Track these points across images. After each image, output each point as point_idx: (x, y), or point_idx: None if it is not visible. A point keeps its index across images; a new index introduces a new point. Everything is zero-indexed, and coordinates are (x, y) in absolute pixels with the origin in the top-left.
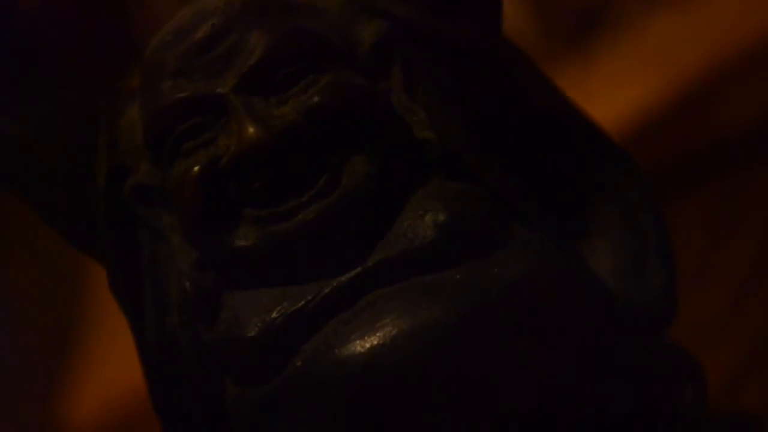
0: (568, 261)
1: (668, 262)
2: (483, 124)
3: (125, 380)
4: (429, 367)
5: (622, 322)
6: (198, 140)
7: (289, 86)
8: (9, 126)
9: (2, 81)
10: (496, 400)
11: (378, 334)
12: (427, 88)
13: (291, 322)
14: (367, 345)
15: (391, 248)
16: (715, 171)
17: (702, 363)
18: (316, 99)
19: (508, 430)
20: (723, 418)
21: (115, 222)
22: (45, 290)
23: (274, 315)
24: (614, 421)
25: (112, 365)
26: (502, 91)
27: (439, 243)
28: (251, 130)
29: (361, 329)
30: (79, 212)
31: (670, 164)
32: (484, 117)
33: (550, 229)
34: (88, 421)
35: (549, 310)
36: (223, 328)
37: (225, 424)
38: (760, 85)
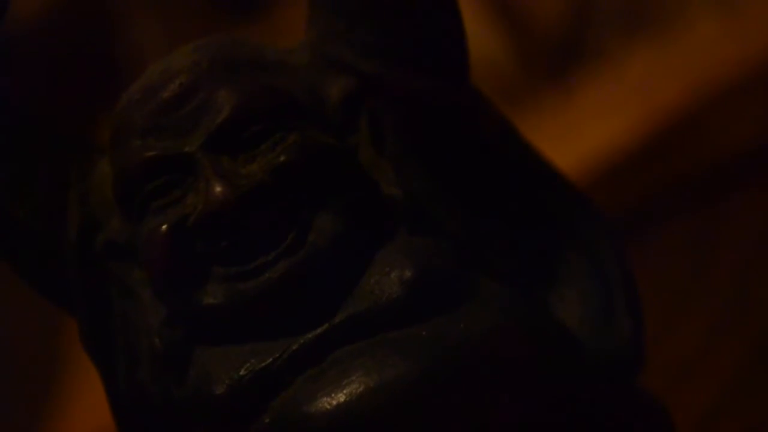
0: (535, 313)
1: (635, 310)
2: (450, 175)
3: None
4: (396, 424)
5: (591, 371)
6: (166, 198)
7: (257, 144)
8: None
9: None
10: None
11: (345, 391)
12: (395, 143)
13: (259, 379)
14: (334, 402)
15: (359, 305)
16: (693, 203)
17: (673, 405)
18: (282, 158)
19: None
20: None
21: (86, 276)
22: (36, 312)
23: (242, 372)
24: None
25: (100, 391)
26: (468, 142)
27: (406, 300)
28: (218, 189)
29: (328, 386)
30: (51, 266)
31: (649, 194)
32: (452, 168)
33: (518, 279)
34: None
35: (516, 364)
36: (192, 384)
37: None
38: (739, 117)
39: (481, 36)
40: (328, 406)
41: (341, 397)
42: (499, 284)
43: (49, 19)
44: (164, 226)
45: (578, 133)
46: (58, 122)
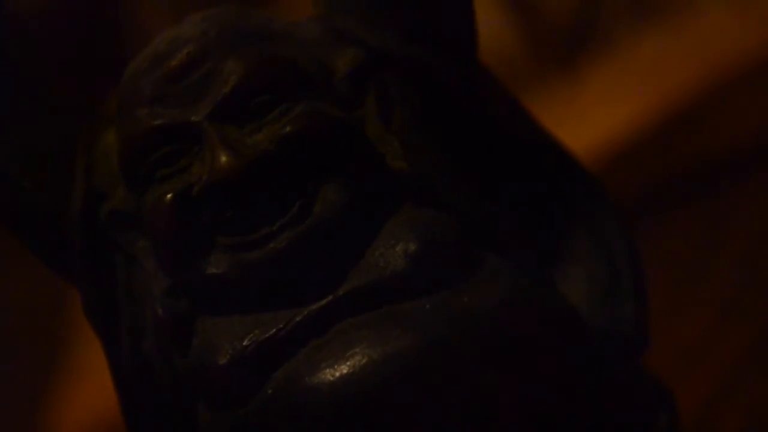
0: (539, 290)
1: (640, 290)
2: (457, 151)
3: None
4: (398, 396)
5: (595, 350)
6: (172, 168)
7: (263, 114)
8: None
9: None
10: (464, 428)
11: (348, 362)
12: (401, 117)
13: (262, 350)
14: (337, 374)
15: (363, 277)
16: (702, 190)
17: (678, 389)
18: (288, 128)
19: None
20: None
21: (91, 247)
22: (34, 301)
23: (245, 343)
24: None
25: (100, 375)
26: (476, 119)
27: (410, 273)
28: (224, 158)
29: (332, 358)
30: (55, 236)
31: (657, 182)
32: (458, 144)
33: (524, 256)
34: (77, 430)
35: (519, 339)
36: (195, 354)
37: None
38: (749, 104)
39: (491, 23)
40: (331, 378)
41: (344, 369)
42: (504, 260)
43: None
44: (169, 195)
45: (587, 120)
46: (63, 93)
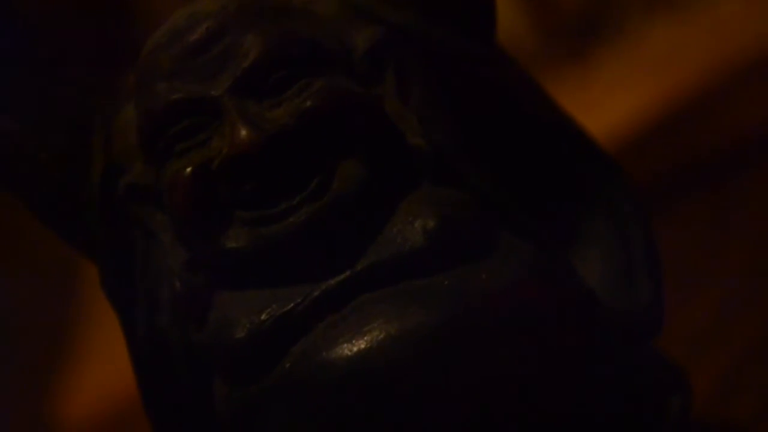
0: (556, 269)
1: (656, 273)
2: (475, 130)
3: (120, 377)
4: (416, 371)
5: (610, 331)
6: (191, 141)
7: (283, 90)
8: (4, 123)
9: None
10: (481, 404)
11: (366, 337)
12: (420, 95)
13: (280, 324)
14: (355, 348)
15: (381, 253)
16: (712, 178)
17: (690, 372)
18: (308, 103)
19: None
20: (711, 428)
21: (109, 220)
22: (40, 289)
23: (263, 317)
24: (600, 430)
25: (106, 362)
26: (494, 99)
27: (428, 249)
28: (243, 132)
29: (349, 332)
30: (73, 210)
31: (667, 172)
32: (477, 123)
33: (541, 236)
34: (83, 417)
35: (535, 317)
36: (212, 328)
37: (214, 423)
38: (759, 95)
39: (502, 11)
40: (349, 352)
41: (362, 344)
42: (521, 239)
43: None
44: (188, 169)
45: (597, 109)
46: (80, 68)
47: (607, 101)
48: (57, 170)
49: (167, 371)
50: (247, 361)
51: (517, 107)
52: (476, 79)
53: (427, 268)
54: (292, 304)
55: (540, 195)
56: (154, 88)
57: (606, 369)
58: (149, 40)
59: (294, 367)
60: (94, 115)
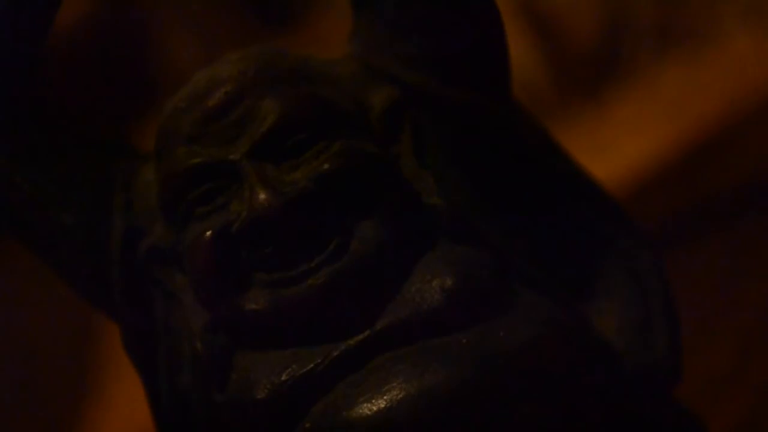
0: (574, 325)
1: (673, 324)
2: (491, 186)
3: (142, 421)
4: (436, 430)
5: (628, 382)
6: (211, 205)
7: (301, 152)
8: (29, 185)
9: (23, 141)
10: None
11: (385, 397)
12: (436, 154)
13: (300, 384)
14: (375, 408)
15: (400, 312)
16: (727, 220)
17: (709, 415)
18: (326, 166)
19: None
20: None
21: (130, 282)
22: (64, 331)
23: (283, 378)
24: None
25: (129, 406)
26: (509, 154)
27: (446, 308)
28: (263, 196)
29: (369, 392)
30: (95, 271)
31: (682, 213)
32: (492, 179)
33: (557, 290)
34: None
35: (554, 375)
36: (233, 388)
37: None
38: None
39: (516, 52)
40: (369, 412)
41: (381, 403)
42: (538, 295)
43: (86, 30)
44: (209, 233)
45: (611, 149)
46: (102, 130)
47: (621, 142)
48: (79, 231)
49: (190, 430)
50: (268, 422)
51: (532, 160)
52: (491, 135)
53: (446, 326)
54: (312, 365)
55: (556, 248)
56: (174, 153)
57: (626, 420)
58: (169, 102)
59: (314, 426)
60: (115, 177)
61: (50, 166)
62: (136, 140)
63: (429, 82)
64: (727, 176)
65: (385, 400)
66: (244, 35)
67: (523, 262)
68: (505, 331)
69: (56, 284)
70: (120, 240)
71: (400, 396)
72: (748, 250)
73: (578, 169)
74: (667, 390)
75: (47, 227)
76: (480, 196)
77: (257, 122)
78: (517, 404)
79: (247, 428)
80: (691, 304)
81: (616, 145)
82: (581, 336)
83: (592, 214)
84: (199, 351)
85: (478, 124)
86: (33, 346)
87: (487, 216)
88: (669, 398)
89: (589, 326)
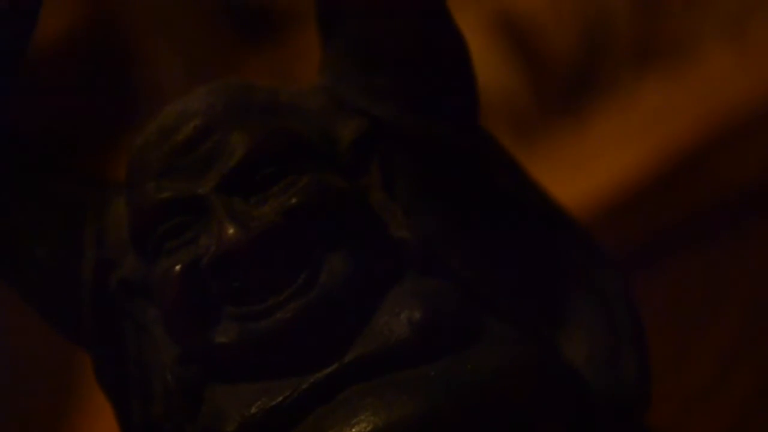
0: (542, 354)
1: (642, 352)
2: (459, 217)
3: None
4: None
5: (598, 410)
6: (180, 239)
7: (269, 186)
8: (0, 219)
9: None
10: None
11: (354, 429)
12: (405, 186)
13: (269, 417)
14: None
15: (368, 345)
16: (704, 236)
17: None
18: (294, 200)
19: None
20: None
21: (101, 314)
22: (52, 340)
23: (253, 410)
24: None
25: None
26: (477, 184)
27: (414, 341)
28: (231, 231)
29: (338, 425)
30: (66, 303)
31: (660, 227)
32: (461, 210)
33: (527, 320)
34: None
35: (522, 406)
36: (204, 421)
37: None
38: (751, 150)
39: (494, 68)
40: None
41: None
42: (507, 325)
43: (66, 48)
44: (178, 267)
45: (591, 166)
46: (74, 161)
47: (601, 157)
48: (51, 265)
49: None
50: None
51: (501, 191)
52: (459, 167)
53: (414, 359)
54: (281, 397)
55: (526, 277)
56: (143, 187)
57: None
58: (139, 136)
59: None
60: (87, 209)
61: (22, 198)
62: (115, 162)
63: (398, 114)
64: (705, 193)
65: None
66: (225, 51)
67: (492, 293)
68: (473, 363)
69: None
70: (91, 272)
71: (369, 429)
72: (726, 265)
73: (547, 198)
74: (636, 418)
75: (19, 260)
76: (449, 227)
77: (225, 156)
78: None
79: None
80: (667, 321)
81: (597, 160)
82: (549, 366)
83: (562, 243)
84: (170, 383)
85: (447, 156)
86: (20, 355)
87: (457, 247)
88: (638, 426)
89: (558, 356)
